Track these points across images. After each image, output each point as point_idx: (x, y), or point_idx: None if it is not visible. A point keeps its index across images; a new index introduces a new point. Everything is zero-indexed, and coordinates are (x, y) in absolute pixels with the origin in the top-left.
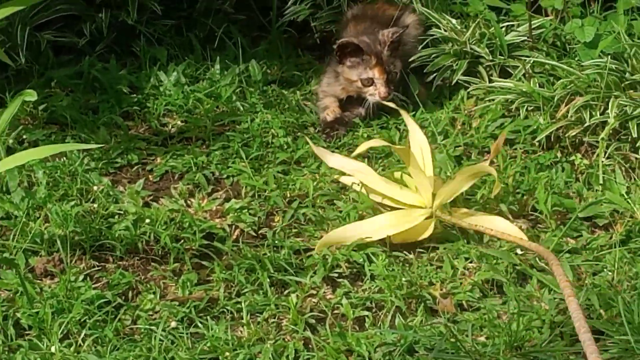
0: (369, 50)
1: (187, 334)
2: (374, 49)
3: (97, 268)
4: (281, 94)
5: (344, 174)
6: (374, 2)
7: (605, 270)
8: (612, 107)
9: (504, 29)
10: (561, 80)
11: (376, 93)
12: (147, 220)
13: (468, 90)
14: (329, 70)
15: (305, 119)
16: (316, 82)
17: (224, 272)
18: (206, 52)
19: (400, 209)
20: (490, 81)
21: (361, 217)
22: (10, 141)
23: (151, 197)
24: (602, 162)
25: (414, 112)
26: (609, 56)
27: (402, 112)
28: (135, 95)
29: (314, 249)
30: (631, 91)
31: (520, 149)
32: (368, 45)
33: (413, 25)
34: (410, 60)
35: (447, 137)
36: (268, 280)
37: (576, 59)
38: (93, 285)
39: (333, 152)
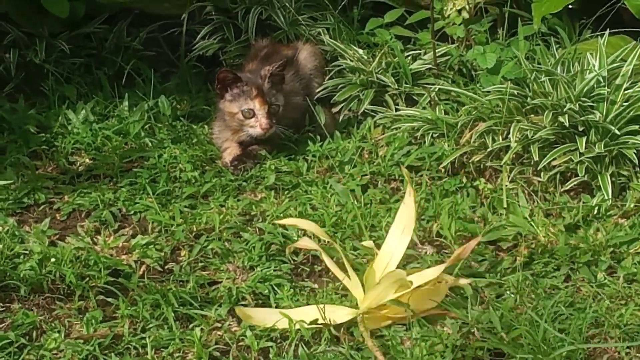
0: (249, 81)
1: None
2: (255, 81)
3: (0, 309)
4: (190, 128)
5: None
6: (277, 41)
7: (507, 292)
8: (514, 132)
9: (410, 57)
10: (465, 107)
11: (257, 125)
12: (53, 260)
13: (375, 119)
14: (218, 117)
15: (214, 152)
16: None
17: (129, 308)
18: (116, 89)
19: None
20: (397, 110)
21: (268, 248)
22: None
23: (57, 236)
24: (506, 186)
25: (321, 143)
26: (510, 81)
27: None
28: (43, 134)
29: (220, 282)
30: (532, 115)
31: (426, 175)
32: (248, 76)
33: (307, 58)
34: (317, 91)
35: (354, 167)
36: (173, 314)
37: (478, 84)
38: None
39: (241, 185)
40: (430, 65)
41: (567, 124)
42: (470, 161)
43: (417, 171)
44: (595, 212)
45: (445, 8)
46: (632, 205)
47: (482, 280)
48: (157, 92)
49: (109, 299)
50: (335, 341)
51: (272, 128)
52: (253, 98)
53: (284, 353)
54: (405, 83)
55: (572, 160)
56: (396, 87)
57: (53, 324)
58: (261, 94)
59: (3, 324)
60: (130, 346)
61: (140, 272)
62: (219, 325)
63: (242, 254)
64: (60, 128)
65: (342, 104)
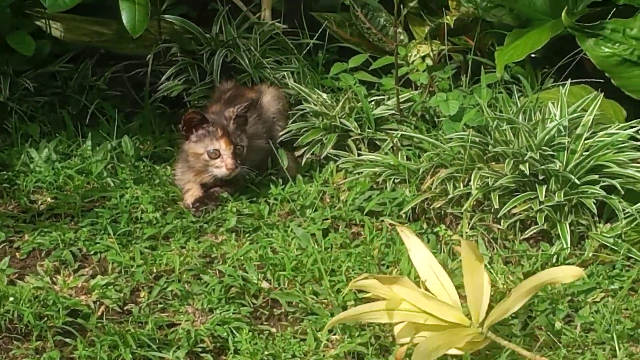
0: (215, 121)
1: None
2: (220, 122)
3: None
4: (152, 169)
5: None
6: (241, 83)
7: None
8: (475, 179)
9: (373, 102)
10: (427, 153)
11: (223, 165)
12: (11, 299)
13: (337, 163)
14: (180, 159)
15: (176, 194)
16: None
17: (86, 349)
18: (79, 128)
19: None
20: (359, 154)
21: (227, 290)
22: None
23: (17, 275)
24: (466, 232)
25: (283, 186)
26: (472, 129)
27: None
28: (5, 172)
29: (179, 324)
30: (493, 163)
31: (387, 220)
32: (213, 117)
33: (271, 101)
34: (280, 134)
35: (315, 211)
36: (131, 356)
37: (440, 131)
38: None
39: (202, 227)
40: (393, 111)
41: (527, 173)
42: (431, 207)
43: (378, 216)
44: (554, 260)
45: (409, 54)
46: (590, 255)
47: None
48: (120, 132)
49: (67, 340)
50: None
51: (238, 168)
52: (219, 138)
53: None
54: (368, 128)
55: (532, 209)
56: (359, 132)
57: None
58: (227, 134)
59: None
60: None
61: (99, 313)
62: None
63: (202, 296)
64: (22, 166)
65: (305, 148)
